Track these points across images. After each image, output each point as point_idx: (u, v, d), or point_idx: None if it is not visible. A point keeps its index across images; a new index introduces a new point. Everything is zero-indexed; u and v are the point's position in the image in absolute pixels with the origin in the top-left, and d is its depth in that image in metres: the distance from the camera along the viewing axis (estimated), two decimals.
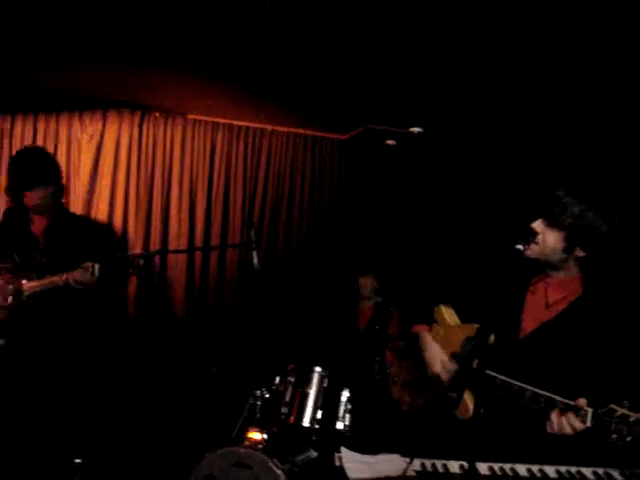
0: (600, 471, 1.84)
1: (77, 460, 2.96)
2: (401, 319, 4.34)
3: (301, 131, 6.08)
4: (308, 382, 2.92)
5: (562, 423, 1.81)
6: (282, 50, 4.02)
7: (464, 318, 2.36)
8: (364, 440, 2.66)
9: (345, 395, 2.92)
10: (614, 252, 2.07)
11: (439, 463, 1.85)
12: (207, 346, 4.21)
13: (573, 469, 1.85)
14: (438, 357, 2.27)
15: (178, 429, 4.33)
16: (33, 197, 3.29)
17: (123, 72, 4.66)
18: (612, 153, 3.55)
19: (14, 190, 3.30)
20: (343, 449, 1.90)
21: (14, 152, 3.66)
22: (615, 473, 1.83)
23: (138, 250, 5.37)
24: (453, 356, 2.26)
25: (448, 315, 2.40)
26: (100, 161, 5.54)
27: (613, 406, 1.72)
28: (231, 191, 5.89)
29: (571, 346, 2.03)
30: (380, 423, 2.91)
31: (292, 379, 2.98)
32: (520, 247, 1.99)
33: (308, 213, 6.08)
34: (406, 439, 2.02)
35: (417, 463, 1.83)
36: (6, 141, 5.32)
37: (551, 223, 2.05)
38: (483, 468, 1.83)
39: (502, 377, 2.00)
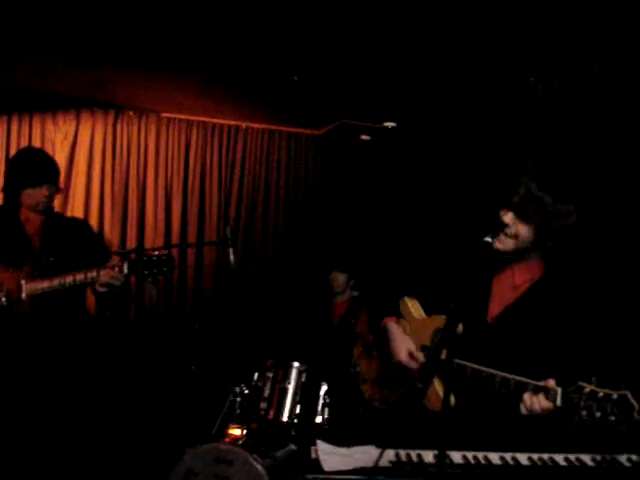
0: (572, 457, 1.86)
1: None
2: (368, 314, 4.35)
3: (275, 127, 6.09)
4: (286, 377, 2.94)
5: (534, 403, 1.83)
6: (255, 46, 4.03)
7: (429, 310, 2.35)
8: (341, 433, 2.68)
9: (323, 389, 2.94)
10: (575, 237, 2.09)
11: (413, 453, 1.87)
12: (193, 323, 4.31)
13: (545, 456, 1.87)
14: (405, 346, 2.25)
15: (158, 426, 4.34)
16: (37, 195, 3.19)
17: (97, 71, 4.64)
18: (579, 141, 3.62)
19: (14, 187, 3.21)
20: (319, 442, 1.92)
21: None
22: (586, 458, 1.86)
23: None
24: (423, 348, 2.25)
25: (414, 308, 2.39)
26: (75, 160, 5.53)
27: (581, 383, 1.72)
28: (207, 188, 5.90)
29: (535, 326, 2.05)
30: (356, 416, 2.93)
31: (270, 375, 2.99)
32: (489, 239, 2.00)
33: (284, 209, 6.10)
34: (382, 431, 2.04)
35: (392, 453, 1.85)
36: None
37: (522, 217, 2.03)
38: (457, 457, 1.85)
39: (472, 365, 2.00)
